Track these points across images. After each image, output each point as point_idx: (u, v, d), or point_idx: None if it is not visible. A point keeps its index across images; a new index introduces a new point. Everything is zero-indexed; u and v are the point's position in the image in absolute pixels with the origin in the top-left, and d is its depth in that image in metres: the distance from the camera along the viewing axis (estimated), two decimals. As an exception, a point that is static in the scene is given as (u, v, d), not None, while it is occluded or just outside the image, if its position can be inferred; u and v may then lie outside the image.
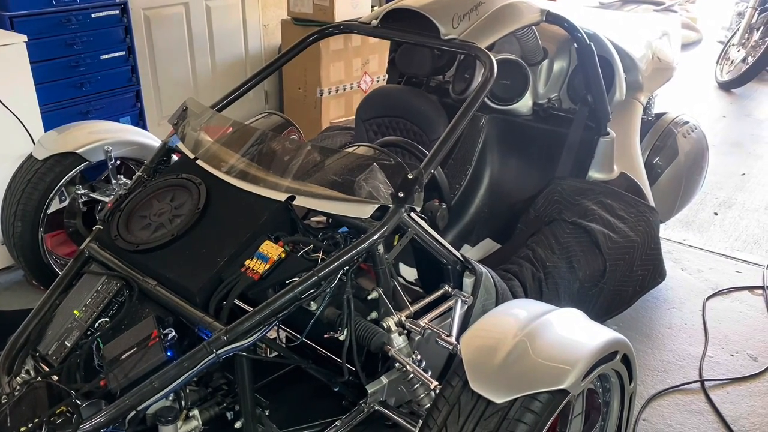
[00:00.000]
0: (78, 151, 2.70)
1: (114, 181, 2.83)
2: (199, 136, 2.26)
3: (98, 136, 2.78)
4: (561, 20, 2.62)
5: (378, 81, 4.93)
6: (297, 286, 1.68)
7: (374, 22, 2.45)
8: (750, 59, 6.36)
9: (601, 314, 2.61)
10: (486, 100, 3.00)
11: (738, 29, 6.71)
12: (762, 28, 6.43)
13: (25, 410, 1.64)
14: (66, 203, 2.94)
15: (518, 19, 2.50)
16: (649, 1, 3.74)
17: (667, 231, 3.75)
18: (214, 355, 1.63)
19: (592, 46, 2.67)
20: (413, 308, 1.86)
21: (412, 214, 1.86)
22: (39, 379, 1.75)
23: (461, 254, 2.02)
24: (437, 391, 1.61)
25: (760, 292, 3.28)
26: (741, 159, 4.88)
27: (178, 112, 2.36)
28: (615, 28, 3.08)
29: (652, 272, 2.76)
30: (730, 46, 6.69)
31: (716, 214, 4.08)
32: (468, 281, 2.01)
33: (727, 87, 6.43)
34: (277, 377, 2.05)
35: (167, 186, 2.10)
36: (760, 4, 6.49)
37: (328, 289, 1.72)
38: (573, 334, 1.63)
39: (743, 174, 4.63)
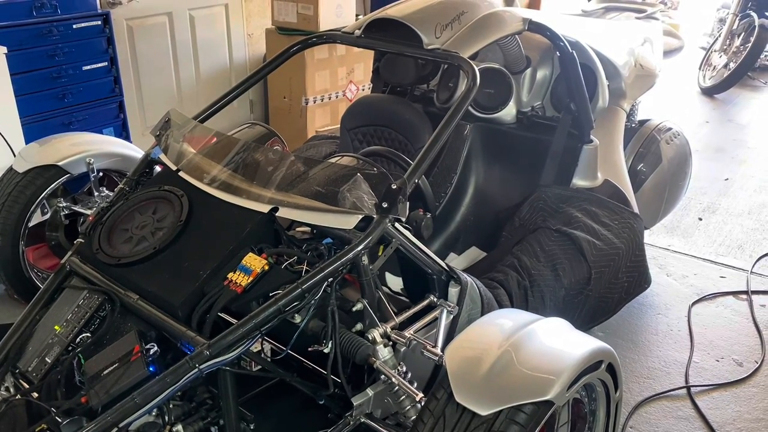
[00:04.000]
0: (59, 164, 2.68)
1: (96, 194, 2.81)
2: (182, 147, 2.24)
3: (80, 148, 2.76)
4: (543, 29, 2.63)
5: (363, 90, 4.93)
6: (281, 299, 1.67)
7: (358, 32, 2.45)
8: (732, 65, 6.43)
9: (586, 321, 2.62)
10: (470, 108, 3.00)
11: (719, 35, 6.79)
12: (743, 34, 6.51)
13: (4, 429, 1.62)
14: (48, 216, 2.90)
15: (501, 28, 2.51)
16: (631, 9, 3.77)
17: (651, 237, 3.77)
18: (197, 369, 1.61)
19: (575, 54, 2.69)
20: (398, 319, 1.85)
21: (397, 224, 1.85)
22: (18, 396, 1.72)
23: (446, 264, 2.02)
24: (422, 404, 1.60)
25: (744, 297, 3.30)
26: (724, 164, 4.92)
27: (161, 123, 2.34)
28: (597, 35, 3.10)
29: (638, 279, 2.77)
30: (712, 52, 6.76)
31: (700, 219, 4.10)
32: (453, 291, 2.00)
33: (709, 93, 6.50)
34: (262, 391, 2.02)
35: (149, 198, 2.08)
36: (741, 10, 6.57)
37: (313, 301, 1.71)
38: (557, 344, 1.62)
39: (726, 179, 4.67)
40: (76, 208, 2.86)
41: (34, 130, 3.47)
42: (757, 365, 2.83)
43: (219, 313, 1.75)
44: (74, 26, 3.64)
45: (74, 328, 1.85)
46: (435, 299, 1.98)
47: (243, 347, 1.65)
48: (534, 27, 2.60)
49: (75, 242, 2.06)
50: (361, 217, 1.80)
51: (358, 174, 1.85)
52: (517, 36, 2.79)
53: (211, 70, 4.84)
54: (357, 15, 4.77)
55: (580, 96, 2.75)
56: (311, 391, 1.88)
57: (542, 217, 2.66)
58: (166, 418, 1.73)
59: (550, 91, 3.06)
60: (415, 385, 1.73)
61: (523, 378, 1.50)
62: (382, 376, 1.73)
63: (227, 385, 1.73)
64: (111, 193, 2.65)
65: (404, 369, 1.76)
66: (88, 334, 1.85)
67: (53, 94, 3.66)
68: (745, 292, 3.32)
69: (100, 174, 2.81)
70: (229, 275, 1.77)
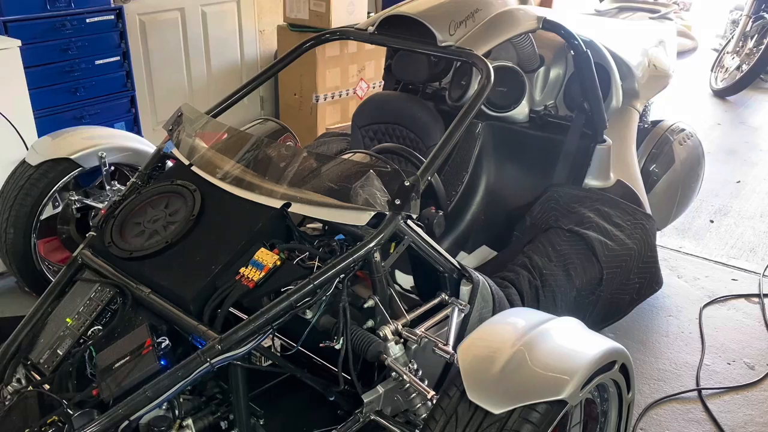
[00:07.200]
0: (72, 157, 2.68)
1: (108, 187, 2.81)
2: (194, 142, 2.24)
3: (92, 141, 2.76)
4: (558, 27, 2.61)
5: (374, 87, 4.92)
6: (292, 294, 1.66)
7: (371, 29, 2.44)
8: (744, 67, 6.39)
9: (597, 322, 2.60)
10: (482, 107, 2.99)
11: (732, 37, 6.74)
12: (756, 36, 6.46)
13: (15, 420, 1.62)
14: (59, 209, 2.91)
15: (515, 26, 2.50)
16: (644, 9, 3.75)
17: (663, 238, 3.75)
18: (208, 364, 1.61)
19: (589, 53, 2.67)
20: (410, 316, 1.84)
21: (409, 222, 1.84)
22: (30, 388, 1.73)
23: (458, 262, 2.01)
24: (434, 401, 1.60)
25: (756, 299, 3.28)
26: (736, 166, 4.89)
27: (173, 118, 2.34)
28: (611, 35, 3.08)
29: (649, 280, 2.75)
30: (724, 53, 6.71)
31: (712, 221, 4.08)
32: (465, 289, 1.99)
33: (721, 94, 6.46)
34: (272, 386, 2.02)
35: (162, 192, 2.08)
36: (754, 12, 6.52)
37: (324, 297, 1.71)
38: (571, 343, 1.61)
39: (738, 181, 4.64)
40: (87, 202, 2.87)
41: (46, 124, 3.48)
42: (769, 369, 2.81)
43: (230, 308, 1.75)
44: (87, 20, 3.65)
45: (86, 321, 1.85)
46: (446, 297, 1.97)
47: (254, 342, 1.65)
48: (548, 25, 2.58)
49: (87, 235, 2.07)
50: (373, 213, 1.80)
51: (371, 171, 1.84)
52: (530, 34, 2.77)
53: (223, 66, 4.85)
54: (368, 12, 4.76)
55: (593, 95, 2.74)
56: (321, 387, 1.87)
57: (554, 217, 2.65)
58: (177, 412, 1.74)
59: (563, 90, 3.04)
60: (426, 383, 1.72)
61: (536, 377, 1.49)
62: (393, 374, 1.72)
63: (238, 380, 1.73)
64: (122, 187, 2.66)
65: (415, 366, 1.75)
66: (100, 327, 1.85)
67: (66, 88, 3.68)
68: (757, 295, 3.30)
69: (112, 168, 2.81)
70: (241, 270, 1.77)
